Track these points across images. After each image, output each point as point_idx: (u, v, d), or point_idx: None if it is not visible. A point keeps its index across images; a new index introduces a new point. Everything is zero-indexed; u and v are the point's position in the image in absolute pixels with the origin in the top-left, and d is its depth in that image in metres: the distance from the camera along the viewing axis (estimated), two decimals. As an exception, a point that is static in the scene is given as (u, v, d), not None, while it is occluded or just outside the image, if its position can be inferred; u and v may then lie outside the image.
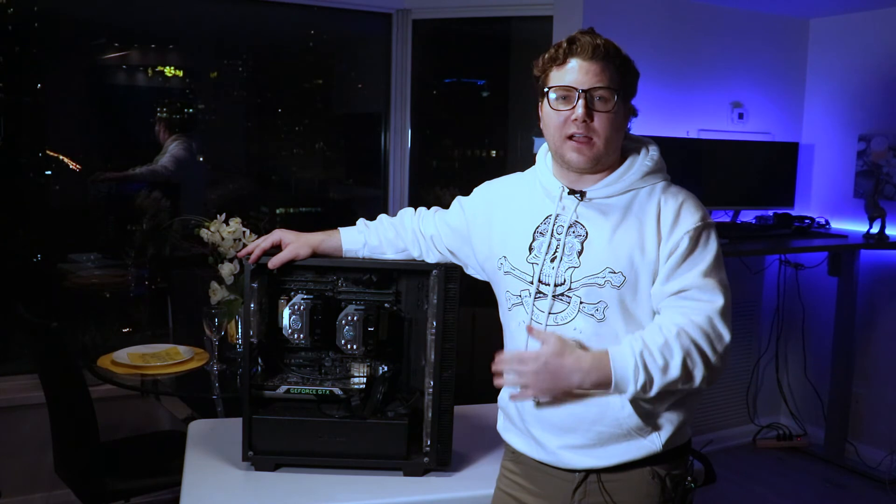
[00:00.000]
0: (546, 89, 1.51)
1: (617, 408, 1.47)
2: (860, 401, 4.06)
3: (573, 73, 1.48)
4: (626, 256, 1.47)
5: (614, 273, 1.47)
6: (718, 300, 1.45)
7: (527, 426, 1.58)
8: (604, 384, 1.42)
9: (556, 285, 1.50)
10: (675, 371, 1.40)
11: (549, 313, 1.50)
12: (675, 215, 1.49)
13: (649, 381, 1.40)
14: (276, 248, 1.79)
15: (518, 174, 1.72)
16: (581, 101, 1.47)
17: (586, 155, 1.50)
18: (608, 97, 1.48)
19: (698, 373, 1.42)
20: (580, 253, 1.50)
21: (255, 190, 4.26)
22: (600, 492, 1.53)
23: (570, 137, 1.50)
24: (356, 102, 4.49)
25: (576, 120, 1.48)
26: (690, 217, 1.49)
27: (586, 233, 1.51)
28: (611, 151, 1.53)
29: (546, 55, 1.53)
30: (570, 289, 1.49)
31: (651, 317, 1.50)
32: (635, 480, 1.52)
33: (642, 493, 1.52)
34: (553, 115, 1.51)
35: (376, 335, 1.79)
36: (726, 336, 1.45)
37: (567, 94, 1.49)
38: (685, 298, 1.45)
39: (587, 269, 1.48)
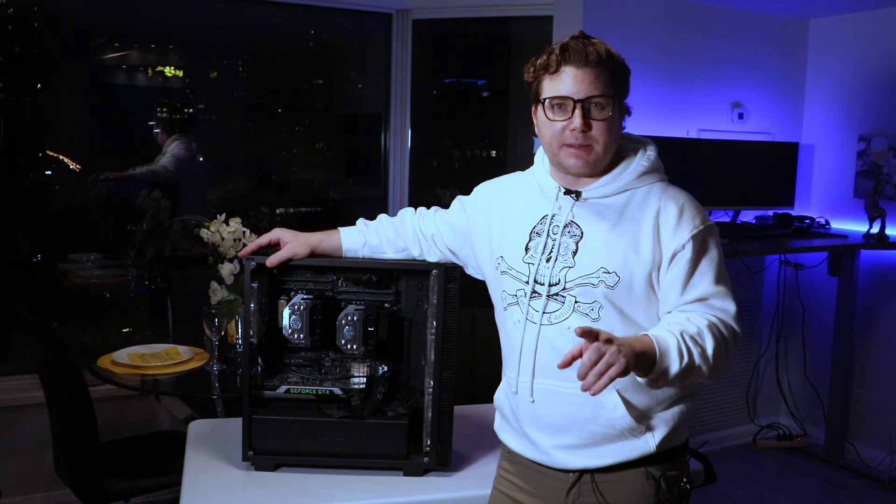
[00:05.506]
0: (542, 99, 1.49)
1: (610, 408, 1.47)
2: (860, 401, 4.06)
3: (567, 82, 1.46)
4: (620, 256, 1.47)
5: (608, 273, 1.46)
6: (732, 307, 1.47)
7: (521, 426, 1.58)
8: (648, 364, 1.34)
9: (550, 285, 1.50)
10: (709, 358, 1.39)
11: (544, 312, 1.50)
12: (676, 218, 1.48)
13: (690, 363, 1.36)
14: (276, 248, 1.79)
15: (518, 173, 1.71)
16: (578, 112, 1.45)
17: (585, 160, 1.49)
18: (605, 104, 1.46)
19: (721, 366, 1.42)
20: (575, 253, 1.49)
21: (255, 190, 4.26)
22: (594, 492, 1.53)
23: (569, 146, 1.49)
24: (356, 102, 4.49)
25: (573, 130, 1.46)
26: (692, 220, 1.49)
27: (581, 233, 1.51)
28: (609, 155, 1.52)
29: (538, 61, 1.50)
30: (564, 288, 1.49)
31: (646, 317, 1.49)
32: (629, 481, 1.52)
33: (636, 494, 1.52)
34: (549, 124, 1.49)
35: (376, 335, 1.79)
36: (740, 335, 1.47)
37: (562, 103, 1.47)
38: (703, 306, 1.45)
39: (581, 269, 1.48)
